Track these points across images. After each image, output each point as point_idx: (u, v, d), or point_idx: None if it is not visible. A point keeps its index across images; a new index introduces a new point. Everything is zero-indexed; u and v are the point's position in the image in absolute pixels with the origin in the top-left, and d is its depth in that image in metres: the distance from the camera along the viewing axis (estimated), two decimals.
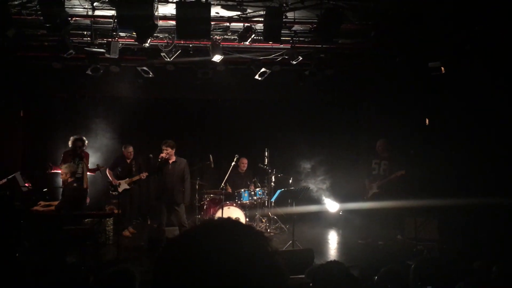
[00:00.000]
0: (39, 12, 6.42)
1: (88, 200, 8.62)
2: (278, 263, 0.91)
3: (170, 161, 7.64)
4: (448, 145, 8.38)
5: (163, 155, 7.57)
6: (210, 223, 0.98)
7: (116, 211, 8.08)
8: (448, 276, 2.85)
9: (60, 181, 8.91)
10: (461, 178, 7.94)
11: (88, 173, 8.76)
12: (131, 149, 9.15)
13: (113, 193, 8.45)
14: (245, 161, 9.88)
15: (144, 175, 8.95)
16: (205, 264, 0.86)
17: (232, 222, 0.96)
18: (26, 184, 7.95)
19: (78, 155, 8.58)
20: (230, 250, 0.88)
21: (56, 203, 7.03)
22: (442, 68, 7.72)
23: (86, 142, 8.86)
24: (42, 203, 7.08)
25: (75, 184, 7.22)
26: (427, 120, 9.19)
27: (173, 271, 0.88)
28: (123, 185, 8.82)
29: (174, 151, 7.69)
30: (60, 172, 7.33)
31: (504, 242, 6.49)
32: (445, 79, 8.04)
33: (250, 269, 0.87)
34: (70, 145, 8.71)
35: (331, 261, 3.14)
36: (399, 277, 3.52)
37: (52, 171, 8.67)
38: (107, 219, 8.03)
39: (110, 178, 8.85)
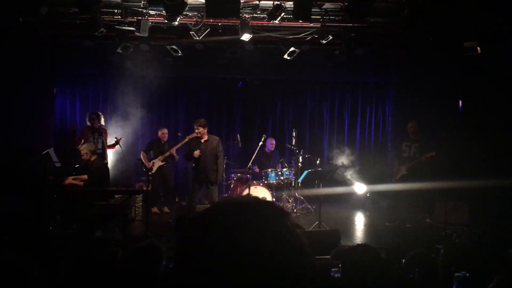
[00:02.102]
0: None
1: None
2: (298, 238, 0.91)
3: (202, 140, 7.65)
4: (481, 128, 8.15)
5: (194, 135, 7.61)
6: (230, 200, 0.98)
7: (145, 188, 8.23)
8: (480, 262, 2.78)
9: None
10: (493, 161, 7.73)
11: (108, 149, 8.95)
12: (165, 130, 9.29)
13: (149, 173, 8.53)
14: (273, 141, 9.86)
15: (173, 150, 8.93)
16: (225, 240, 0.86)
17: (252, 199, 0.96)
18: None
19: (96, 130, 8.73)
20: (250, 226, 0.88)
21: (84, 177, 7.19)
22: (478, 48, 7.44)
23: (102, 116, 8.99)
24: (71, 178, 7.25)
25: (105, 161, 7.36)
26: (460, 102, 8.94)
27: (195, 247, 0.89)
28: (157, 163, 8.91)
29: (206, 130, 7.69)
30: (81, 153, 7.41)
31: None
32: (481, 60, 7.76)
33: (269, 244, 0.86)
34: (87, 122, 8.89)
35: (361, 244, 3.11)
36: (428, 261, 3.47)
37: (76, 144, 8.75)
38: (137, 195, 8.19)
39: (144, 161, 8.89)
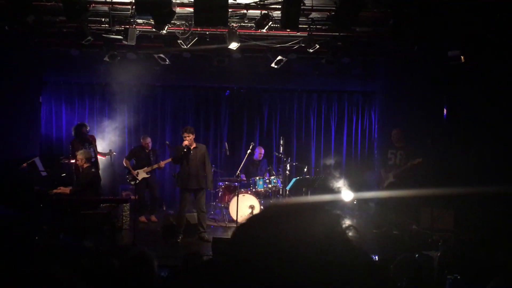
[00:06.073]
0: None
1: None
2: (350, 240, 0.95)
3: (192, 147, 7.64)
4: (466, 135, 8.28)
5: (186, 142, 7.53)
6: (287, 204, 1.01)
7: (132, 197, 8.19)
8: (471, 266, 2.84)
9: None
10: (478, 168, 7.85)
11: (98, 156, 8.91)
12: (148, 139, 9.22)
13: (132, 182, 8.54)
14: (262, 150, 9.89)
15: (162, 163, 9.01)
16: (281, 242, 0.90)
17: (307, 204, 0.99)
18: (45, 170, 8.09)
19: (87, 140, 8.70)
20: (306, 229, 0.92)
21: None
22: (462, 57, 7.59)
23: (88, 126, 9.03)
24: (62, 188, 7.20)
25: (93, 169, 7.32)
26: (445, 110, 9.08)
27: (250, 249, 0.92)
28: (142, 174, 8.88)
29: (193, 137, 7.69)
30: (77, 158, 7.43)
31: None
32: (465, 68, 7.91)
33: (324, 246, 0.91)
34: (74, 134, 8.84)
35: None
36: (415, 265, 3.51)
37: (70, 161, 8.76)
38: (124, 204, 8.14)
39: (128, 168, 8.89)
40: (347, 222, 0.98)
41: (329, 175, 9.70)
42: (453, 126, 8.81)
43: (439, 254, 3.10)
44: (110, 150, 9.06)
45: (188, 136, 7.51)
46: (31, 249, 5.91)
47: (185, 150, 7.51)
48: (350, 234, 0.97)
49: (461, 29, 7.36)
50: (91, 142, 8.77)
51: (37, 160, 8.06)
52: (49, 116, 10.58)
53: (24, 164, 7.71)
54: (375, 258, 5.12)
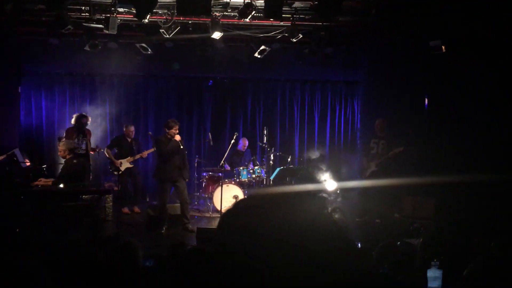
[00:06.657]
0: None
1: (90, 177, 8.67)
2: (335, 222, 0.97)
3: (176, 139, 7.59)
4: (446, 125, 8.41)
5: (178, 137, 7.46)
6: (273, 191, 1.03)
7: (115, 188, 8.13)
8: (451, 252, 2.91)
9: (58, 157, 8.97)
10: (458, 157, 7.99)
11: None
12: (132, 128, 9.13)
13: (115, 172, 8.46)
14: (246, 142, 9.88)
15: (145, 153, 8.97)
16: (269, 228, 0.91)
17: (293, 190, 1.01)
18: (26, 161, 7.97)
19: (82, 132, 8.58)
20: (294, 212, 0.95)
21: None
22: (443, 47, 7.68)
23: (90, 119, 8.89)
24: (43, 180, 7.09)
25: (74, 161, 7.20)
26: (426, 100, 9.19)
27: (238, 236, 0.93)
28: (125, 164, 8.81)
29: None
30: (59, 148, 7.31)
31: (501, 219, 6.58)
32: (446, 60, 8.00)
33: (311, 229, 0.94)
34: (73, 122, 8.68)
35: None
36: (396, 252, 3.57)
37: None
38: (107, 196, 8.07)
39: (111, 158, 8.81)
40: (333, 205, 1.00)
41: (314, 168, 9.76)
42: (434, 116, 8.93)
43: (420, 241, 3.16)
44: (96, 146, 9.02)
45: (177, 130, 7.49)
46: (13, 242, 5.84)
47: (180, 146, 7.45)
48: (336, 216, 0.99)
49: (442, 20, 7.43)
50: (86, 135, 8.65)
51: (17, 151, 7.93)
52: (28, 106, 10.40)
53: (4, 156, 7.58)
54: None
